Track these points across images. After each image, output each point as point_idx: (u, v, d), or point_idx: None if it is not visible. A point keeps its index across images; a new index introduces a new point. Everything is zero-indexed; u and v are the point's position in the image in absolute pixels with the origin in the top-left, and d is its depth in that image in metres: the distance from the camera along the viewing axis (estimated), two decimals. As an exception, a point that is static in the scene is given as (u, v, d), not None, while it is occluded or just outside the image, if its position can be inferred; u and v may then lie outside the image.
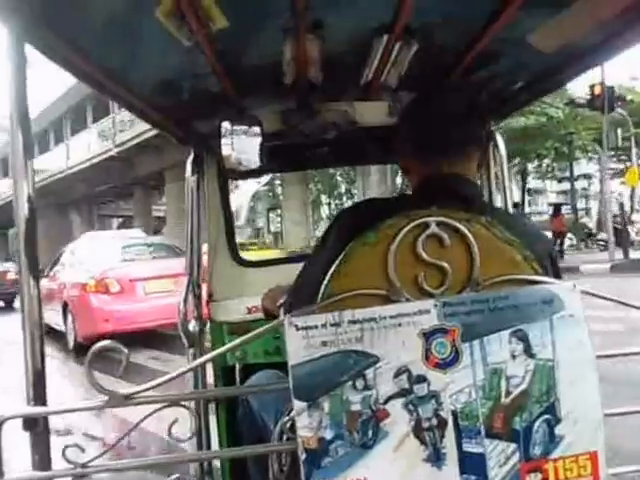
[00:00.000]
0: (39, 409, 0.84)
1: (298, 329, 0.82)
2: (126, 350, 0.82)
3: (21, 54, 0.92)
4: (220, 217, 2.11)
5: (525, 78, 1.60)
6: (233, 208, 2.37)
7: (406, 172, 1.14)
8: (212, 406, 1.76)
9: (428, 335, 0.80)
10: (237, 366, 1.83)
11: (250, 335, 0.85)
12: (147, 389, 0.81)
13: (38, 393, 0.85)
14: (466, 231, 0.84)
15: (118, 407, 0.81)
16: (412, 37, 1.37)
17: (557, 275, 0.94)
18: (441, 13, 1.27)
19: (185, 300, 1.84)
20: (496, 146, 1.86)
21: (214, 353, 0.90)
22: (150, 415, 0.81)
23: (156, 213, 25.14)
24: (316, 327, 0.81)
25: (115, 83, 1.29)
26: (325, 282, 0.86)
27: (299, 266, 1.98)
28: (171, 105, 1.66)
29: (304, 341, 0.81)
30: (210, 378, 1.91)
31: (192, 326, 1.83)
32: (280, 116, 1.95)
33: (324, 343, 0.81)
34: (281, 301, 1.36)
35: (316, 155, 2.14)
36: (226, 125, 1.80)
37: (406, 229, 0.84)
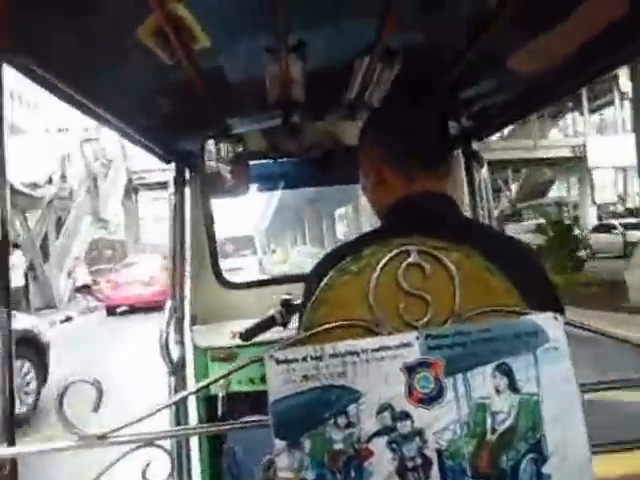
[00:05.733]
0: (5, 450, 0.80)
1: (279, 363, 0.79)
2: (101, 384, 0.79)
3: None
4: (203, 237, 2.08)
5: (506, 98, 1.61)
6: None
7: (378, 184, 1.09)
8: (194, 443, 1.70)
9: (411, 369, 0.79)
10: (220, 395, 1.78)
11: (232, 369, 0.82)
12: (123, 427, 0.78)
13: (6, 432, 0.81)
14: (447, 261, 0.83)
15: (91, 448, 0.77)
16: (393, 58, 1.37)
17: (551, 300, 0.93)
18: (422, 35, 1.28)
19: (167, 324, 1.80)
20: (479, 164, 1.87)
21: (194, 389, 0.86)
22: (123, 457, 0.78)
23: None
24: (297, 360, 0.79)
25: (96, 103, 1.27)
26: (305, 312, 0.84)
27: (285, 288, 1.97)
28: (153, 124, 1.64)
29: (285, 375, 0.79)
30: (192, 405, 1.86)
31: (174, 352, 1.79)
32: (264, 134, 1.94)
33: (305, 377, 0.78)
34: None
35: (302, 174, 2.13)
36: (209, 143, 1.79)
37: (387, 257, 0.82)
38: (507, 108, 1.64)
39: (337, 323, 0.81)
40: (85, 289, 19.01)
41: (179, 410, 1.68)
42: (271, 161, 2.00)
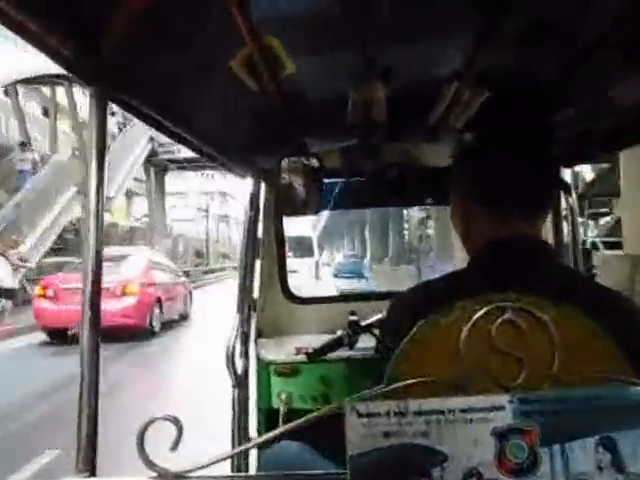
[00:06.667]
0: None
1: (359, 415, 0.76)
2: (181, 422, 0.79)
3: (102, 108, 0.94)
4: (274, 252, 2.10)
5: (601, 129, 1.51)
6: None
7: (464, 223, 1.02)
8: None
9: (502, 435, 0.73)
10: (282, 410, 1.78)
11: (303, 419, 0.80)
12: (200, 468, 0.78)
13: (88, 462, 0.83)
14: (546, 319, 0.76)
15: None
16: (483, 84, 1.32)
17: None
18: (516, 62, 1.22)
19: (235, 337, 1.83)
20: (568, 194, 1.76)
21: (258, 440, 0.84)
22: None
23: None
24: (379, 415, 0.75)
25: (183, 128, 1.31)
26: (389, 365, 0.81)
27: (352, 305, 1.95)
28: (233, 142, 1.67)
29: (364, 430, 0.75)
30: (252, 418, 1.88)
31: (239, 365, 1.80)
32: (340, 153, 1.93)
33: (386, 434, 0.75)
34: None
35: (377, 194, 2.10)
36: (286, 161, 1.80)
37: (480, 313, 0.77)
38: (602, 138, 1.53)
39: (422, 379, 0.77)
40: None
41: (241, 431, 1.71)
42: (346, 180, 1.98)
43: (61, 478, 0.81)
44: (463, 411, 0.74)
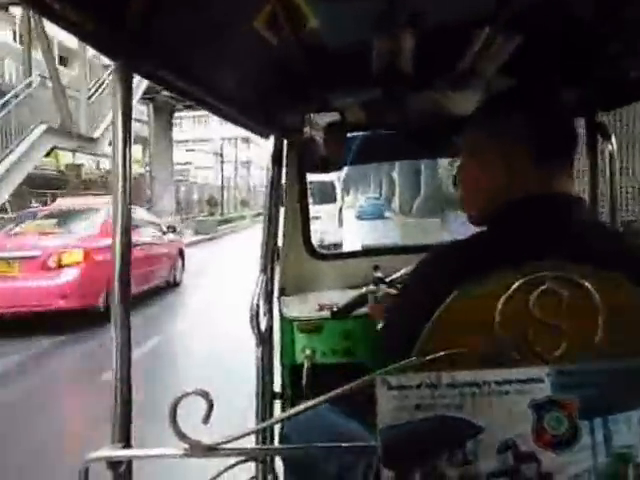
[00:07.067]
0: (122, 452, 0.83)
1: (390, 388, 0.74)
2: (211, 396, 0.79)
3: (128, 81, 0.91)
4: (297, 210, 2.07)
5: None
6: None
7: (496, 180, 0.94)
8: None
9: (540, 407, 0.70)
10: (306, 365, 1.80)
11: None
12: (231, 440, 0.78)
13: (123, 433, 0.84)
14: (590, 288, 0.72)
15: (200, 457, 0.78)
16: (516, 28, 1.21)
17: None
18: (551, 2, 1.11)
19: (258, 296, 1.82)
20: (605, 138, 1.64)
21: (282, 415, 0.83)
22: (229, 469, 0.78)
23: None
24: (410, 387, 0.73)
25: (203, 90, 1.26)
26: (421, 337, 0.78)
27: (375, 259, 1.93)
28: (253, 101, 1.61)
29: (396, 402, 0.73)
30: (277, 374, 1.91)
31: (263, 323, 1.81)
32: (364, 106, 1.85)
33: (418, 406, 0.73)
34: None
35: (403, 146, 2.03)
36: (308, 117, 1.74)
37: (517, 284, 0.73)
38: None
39: (456, 350, 0.74)
40: None
41: (266, 387, 1.74)
42: (371, 133, 1.91)
43: (98, 449, 0.82)
44: (499, 383, 0.71)
